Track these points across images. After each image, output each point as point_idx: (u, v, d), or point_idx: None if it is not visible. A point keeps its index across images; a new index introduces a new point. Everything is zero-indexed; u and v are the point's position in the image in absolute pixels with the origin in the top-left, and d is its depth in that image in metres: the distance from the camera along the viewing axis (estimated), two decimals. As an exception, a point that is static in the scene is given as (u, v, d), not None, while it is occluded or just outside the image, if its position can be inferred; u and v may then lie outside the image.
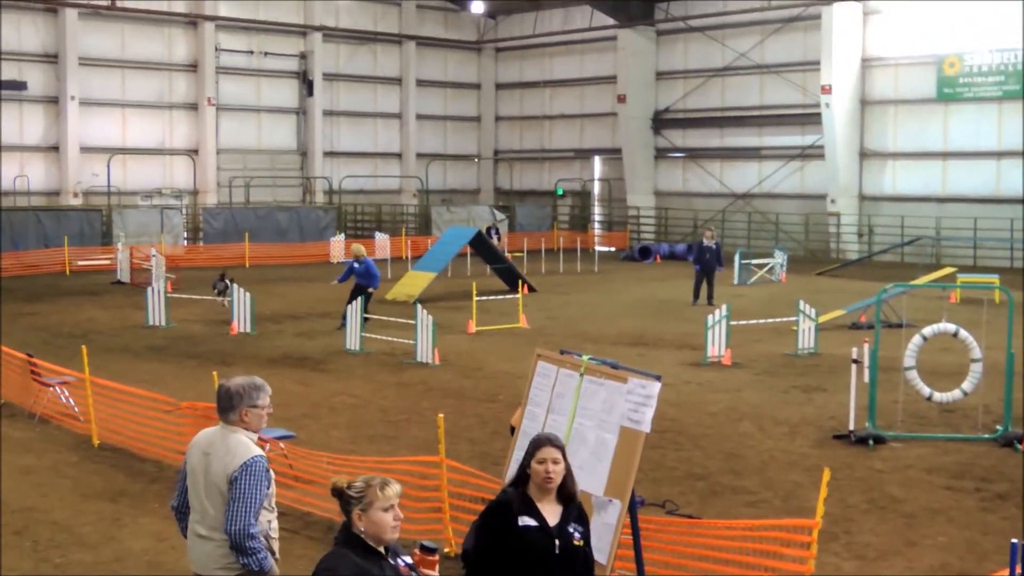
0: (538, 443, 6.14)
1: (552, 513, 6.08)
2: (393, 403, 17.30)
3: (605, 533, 6.98)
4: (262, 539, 6.52)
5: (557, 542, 5.98)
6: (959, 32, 43.75)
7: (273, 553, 6.69)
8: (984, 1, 42.65)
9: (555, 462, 6.06)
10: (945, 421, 15.90)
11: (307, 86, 54.93)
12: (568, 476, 6.13)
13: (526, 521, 5.99)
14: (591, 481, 7.38)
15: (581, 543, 6.10)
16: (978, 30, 43.17)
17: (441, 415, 10.75)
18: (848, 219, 47.02)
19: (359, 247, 25.87)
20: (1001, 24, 42.49)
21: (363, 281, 24.75)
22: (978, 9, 43.00)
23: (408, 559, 5.52)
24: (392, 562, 5.43)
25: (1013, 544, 6.78)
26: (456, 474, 10.72)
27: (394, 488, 5.42)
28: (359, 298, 23.29)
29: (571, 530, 6.07)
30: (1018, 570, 6.68)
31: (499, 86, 62.95)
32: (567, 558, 6.03)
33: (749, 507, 11.79)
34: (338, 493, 5.46)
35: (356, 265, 25.03)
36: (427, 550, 5.59)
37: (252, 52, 53.50)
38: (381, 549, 5.41)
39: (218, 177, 51.96)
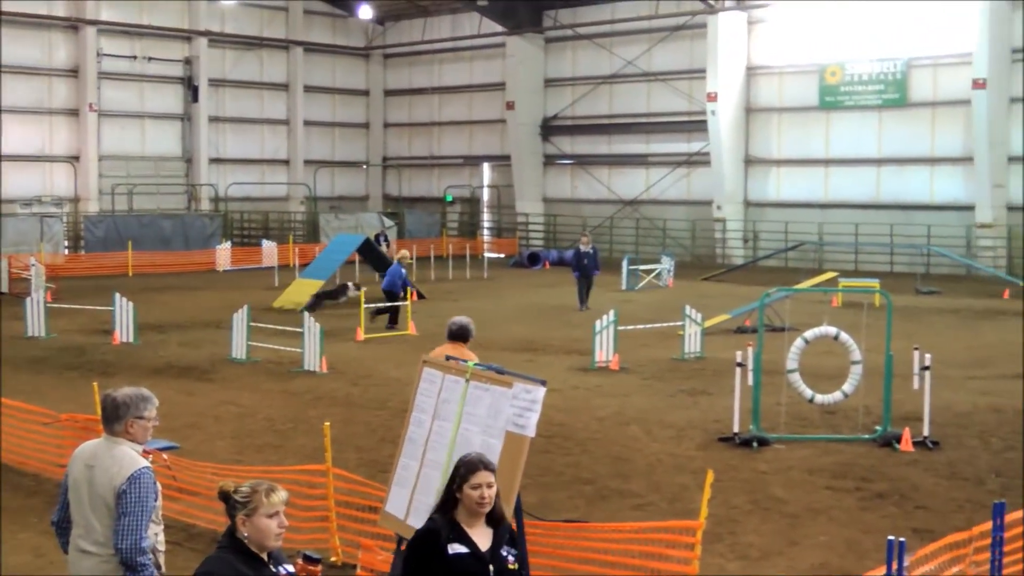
0: (472, 467, 5.81)
1: (483, 537, 5.82)
2: (280, 412, 17.11)
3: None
4: (150, 554, 6.41)
5: (491, 567, 5.74)
6: (841, 41, 44.73)
7: (159, 567, 6.57)
8: (867, 5, 43.66)
9: (489, 486, 5.78)
10: (827, 422, 16.22)
11: (192, 92, 54.11)
12: (497, 498, 5.89)
13: (457, 549, 5.71)
14: (476, 487, 7.37)
15: (516, 566, 5.87)
16: (859, 40, 44.19)
17: (327, 423, 10.66)
18: (734, 225, 47.74)
19: (404, 251, 28.98)
20: (881, 34, 43.56)
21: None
22: (859, 19, 44.02)
23: (290, 567, 5.46)
24: (274, 569, 5.37)
25: (889, 541, 6.93)
26: (343, 482, 10.65)
27: (280, 495, 5.36)
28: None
29: (504, 553, 5.83)
30: (894, 567, 6.83)
31: (388, 92, 62.73)
32: None
33: (636, 510, 11.89)
34: (224, 497, 5.40)
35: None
36: (310, 560, 5.53)
37: (135, 57, 52.55)
38: (264, 556, 5.35)
39: (100, 184, 50.88)
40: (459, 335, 11.10)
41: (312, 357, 20.67)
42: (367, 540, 9.79)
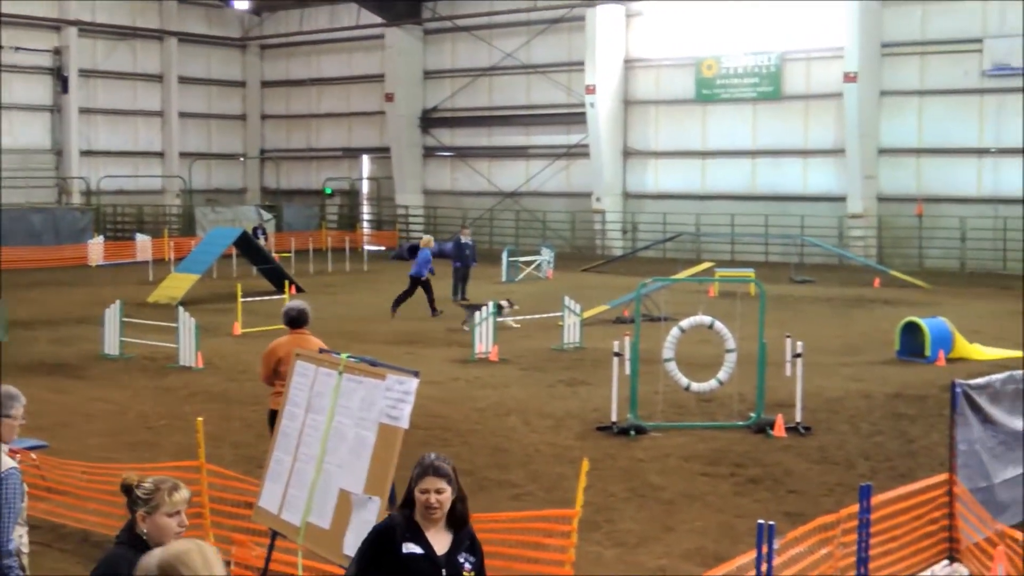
0: (422, 471, 5.63)
1: (440, 541, 5.66)
2: (154, 409, 16.80)
3: (365, 530, 6.91)
4: (16, 556, 6.24)
5: (444, 571, 5.57)
6: (716, 35, 45.39)
7: (24, 569, 6.41)
8: (740, 3, 44.38)
9: (439, 492, 5.59)
10: (703, 410, 16.45)
11: (62, 83, 52.75)
12: (458, 501, 5.70)
13: (411, 548, 5.57)
14: (350, 479, 7.31)
15: (472, 574, 5.68)
16: (734, 34, 44.90)
17: (200, 419, 10.48)
18: (613, 216, 48.17)
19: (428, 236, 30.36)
20: (755, 28, 44.31)
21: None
22: (734, 14, 44.71)
23: None
24: None
25: (759, 525, 7.04)
26: (218, 479, 10.48)
27: (182, 494, 5.29)
28: None
29: (461, 560, 5.65)
30: (764, 549, 6.94)
31: (265, 84, 62.00)
32: None
33: (514, 500, 11.92)
34: (126, 490, 5.29)
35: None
36: None
37: (1, 47, 51.02)
38: None
39: (-34, 178, 49.42)
40: (300, 320, 11.11)
41: (187, 352, 20.34)
42: (241, 536, 9.66)
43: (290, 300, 11.49)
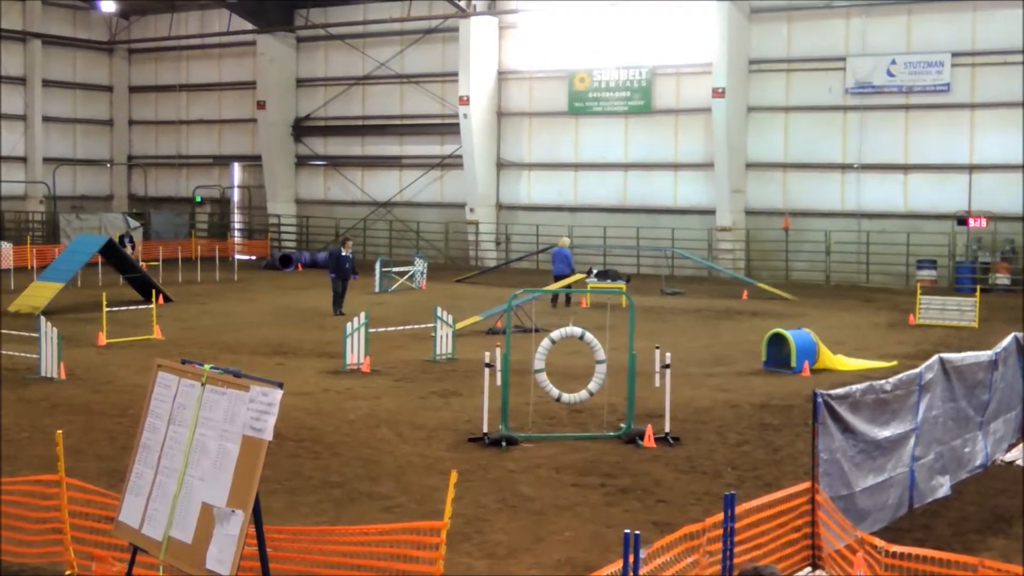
0: None
1: None
2: (14, 421, 16.30)
3: (228, 544, 6.80)
4: None
5: None
6: (589, 49, 45.78)
7: None
8: (613, 15, 44.86)
9: None
10: (574, 421, 16.53)
11: (-81, 84, 51.09)
12: None
13: None
14: (213, 493, 7.17)
15: None
16: (606, 48, 45.35)
17: (60, 431, 10.21)
18: (486, 227, 48.24)
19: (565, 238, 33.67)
20: (627, 43, 44.82)
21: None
22: (606, 28, 45.17)
23: None
24: None
25: (626, 534, 7.09)
26: (79, 492, 10.20)
27: None
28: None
29: None
30: (631, 559, 6.99)
31: (133, 89, 60.75)
32: None
33: (385, 512, 11.83)
34: None
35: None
36: None
37: None
38: None
39: None
40: None
41: (50, 363, 19.79)
42: (101, 551, 9.42)
43: None
